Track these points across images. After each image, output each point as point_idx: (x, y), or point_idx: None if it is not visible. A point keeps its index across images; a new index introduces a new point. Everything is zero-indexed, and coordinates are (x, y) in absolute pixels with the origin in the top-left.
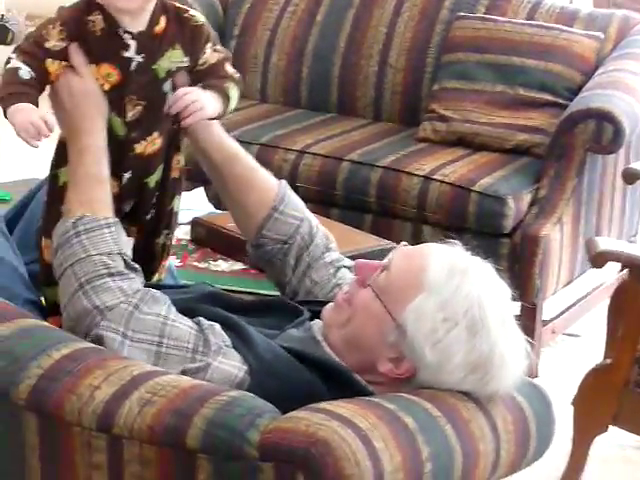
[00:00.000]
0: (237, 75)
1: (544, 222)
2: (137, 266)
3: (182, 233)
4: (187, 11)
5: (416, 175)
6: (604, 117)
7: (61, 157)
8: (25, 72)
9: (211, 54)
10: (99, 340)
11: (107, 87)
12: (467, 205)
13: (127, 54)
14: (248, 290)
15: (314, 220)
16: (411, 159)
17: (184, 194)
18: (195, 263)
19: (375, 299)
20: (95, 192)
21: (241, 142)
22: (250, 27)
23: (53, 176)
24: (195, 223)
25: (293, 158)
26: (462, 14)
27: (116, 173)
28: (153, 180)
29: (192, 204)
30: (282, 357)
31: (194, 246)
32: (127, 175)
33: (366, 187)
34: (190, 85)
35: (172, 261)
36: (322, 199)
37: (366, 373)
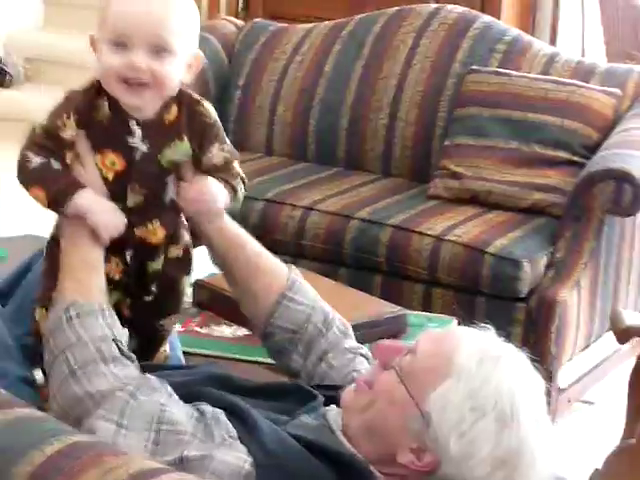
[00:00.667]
0: (243, 175)
1: (561, 286)
2: (132, 355)
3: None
4: (201, 104)
5: (428, 235)
6: (624, 178)
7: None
8: (54, 163)
9: (217, 153)
10: (92, 429)
11: (111, 176)
12: (481, 268)
13: (132, 142)
14: (252, 359)
15: (328, 307)
16: (422, 218)
17: None
18: (197, 328)
19: (399, 383)
20: (90, 278)
21: (245, 198)
22: (256, 77)
23: (56, 242)
24: (197, 285)
25: (300, 215)
26: (475, 67)
27: (118, 252)
28: (156, 265)
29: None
30: (291, 449)
31: (196, 310)
32: (129, 254)
33: (376, 246)
34: None
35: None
36: (330, 258)
37: (385, 465)
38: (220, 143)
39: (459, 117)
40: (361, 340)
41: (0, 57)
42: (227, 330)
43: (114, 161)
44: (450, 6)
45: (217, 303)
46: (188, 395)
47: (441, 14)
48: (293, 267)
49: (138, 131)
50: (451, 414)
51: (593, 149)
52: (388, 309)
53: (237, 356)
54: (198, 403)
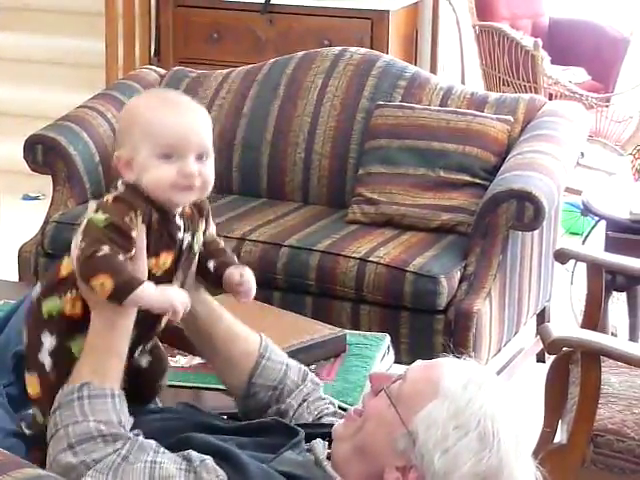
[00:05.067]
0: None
1: (475, 297)
2: (137, 432)
3: None
4: None
5: (352, 258)
6: (525, 198)
7: (53, 288)
8: (121, 256)
9: (211, 226)
10: None
11: (159, 273)
12: (403, 285)
13: (180, 235)
14: (211, 386)
15: (296, 362)
16: (346, 242)
17: None
18: None
19: (388, 406)
20: (110, 364)
21: None
22: None
23: (38, 305)
24: None
25: (234, 245)
26: (381, 103)
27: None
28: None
29: None
30: None
31: None
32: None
33: (306, 271)
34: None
35: None
36: (263, 282)
37: None
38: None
39: (370, 148)
40: (306, 362)
41: None
42: (182, 360)
43: (166, 260)
44: (353, 48)
45: (169, 334)
46: (175, 443)
47: (346, 56)
48: (262, 333)
49: (181, 224)
50: (436, 431)
51: (492, 171)
52: (328, 330)
53: (196, 384)
54: (185, 451)
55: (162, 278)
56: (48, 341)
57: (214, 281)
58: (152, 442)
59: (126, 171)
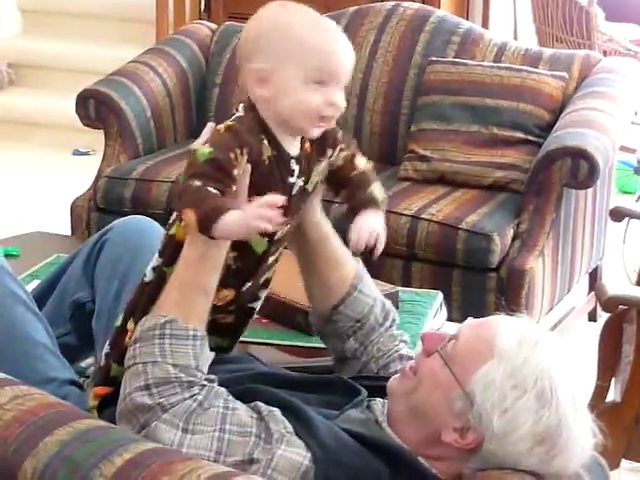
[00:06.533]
0: (370, 165)
1: (527, 255)
2: (213, 377)
3: None
4: None
5: (404, 215)
6: (580, 155)
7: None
8: (213, 189)
9: (339, 153)
10: (156, 433)
11: None
12: (455, 242)
13: (292, 180)
14: (263, 341)
15: (384, 298)
16: (398, 199)
17: None
18: None
19: (443, 367)
20: (197, 301)
21: None
22: (232, 75)
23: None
24: None
25: None
26: (434, 59)
27: (241, 284)
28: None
29: None
30: (346, 444)
31: None
32: (248, 284)
33: None
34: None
35: None
36: None
37: (429, 447)
38: (340, 142)
39: (422, 105)
40: None
41: None
42: None
43: None
44: (406, 3)
45: None
46: (241, 394)
47: (399, 11)
48: (360, 261)
49: (297, 168)
50: (494, 392)
51: (546, 129)
52: (380, 287)
53: (247, 339)
54: (252, 402)
55: None
56: (155, 257)
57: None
58: (224, 390)
59: (259, 87)
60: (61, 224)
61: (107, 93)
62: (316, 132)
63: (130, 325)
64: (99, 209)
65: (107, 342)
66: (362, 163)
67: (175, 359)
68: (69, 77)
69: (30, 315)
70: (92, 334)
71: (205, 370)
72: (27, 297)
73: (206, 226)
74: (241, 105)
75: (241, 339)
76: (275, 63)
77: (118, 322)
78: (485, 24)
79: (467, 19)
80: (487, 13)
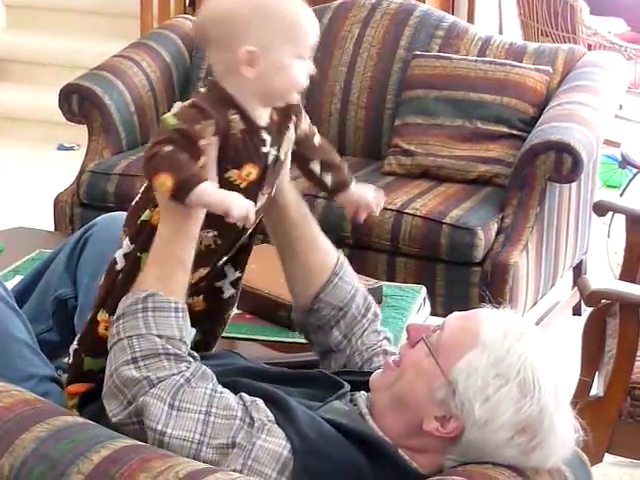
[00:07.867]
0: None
1: (512, 250)
2: (196, 354)
3: None
4: None
5: (389, 209)
6: (564, 149)
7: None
8: (185, 155)
9: (304, 122)
10: (143, 408)
11: (244, 185)
12: (439, 237)
13: (265, 149)
14: (246, 336)
15: (365, 290)
16: None
17: None
18: None
19: (427, 356)
20: (175, 275)
21: None
22: None
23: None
24: None
25: None
26: (418, 53)
27: (218, 259)
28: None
29: None
30: (327, 434)
31: None
32: (224, 258)
33: (341, 223)
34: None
35: None
36: None
37: (411, 437)
38: (301, 110)
39: (407, 99)
40: None
41: None
42: None
43: (250, 172)
44: None
45: None
46: (224, 386)
47: (383, 5)
48: (340, 250)
49: (268, 138)
50: (476, 380)
51: (530, 123)
52: (364, 282)
53: (234, 335)
54: (237, 394)
55: (248, 191)
56: (125, 244)
57: (320, 184)
58: (212, 373)
59: (246, 67)
60: (45, 219)
61: (90, 88)
62: (295, 98)
63: (101, 315)
64: (82, 204)
65: (75, 339)
66: (320, 139)
67: (160, 330)
68: (53, 72)
69: (8, 311)
70: (74, 331)
71: (189, 343)
72: (6, 293)
73: (183, 192)
74: (204, 85)
75: (225, 335)
76: (267, 43)
77: (89, 316)
78: (470, 18)
79: (452, 13)
80: (472, 7)
